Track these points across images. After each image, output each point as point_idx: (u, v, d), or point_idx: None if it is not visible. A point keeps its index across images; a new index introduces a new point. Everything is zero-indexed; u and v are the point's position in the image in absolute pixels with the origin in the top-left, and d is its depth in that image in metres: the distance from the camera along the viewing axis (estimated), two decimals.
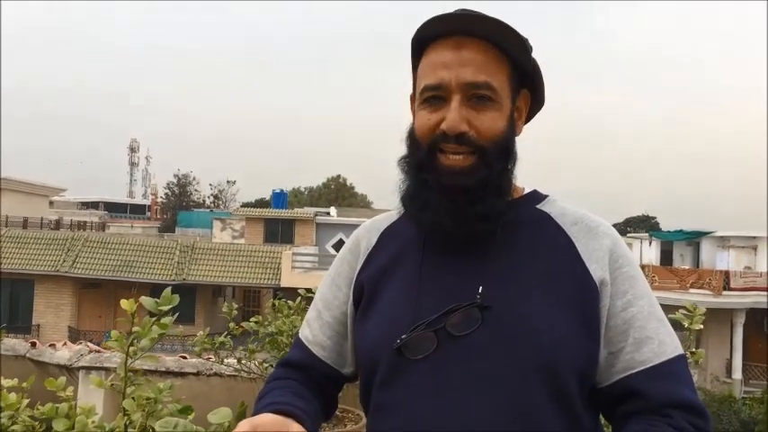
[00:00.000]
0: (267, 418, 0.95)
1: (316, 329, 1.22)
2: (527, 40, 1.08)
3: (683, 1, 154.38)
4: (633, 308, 1.05)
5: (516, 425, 0.95)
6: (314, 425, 1.06)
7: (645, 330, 1.04)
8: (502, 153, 1.08)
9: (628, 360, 1.03)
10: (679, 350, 1.06)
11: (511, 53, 1.08)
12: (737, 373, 22.08)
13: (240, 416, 1.09)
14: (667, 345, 1.04)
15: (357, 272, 1.19)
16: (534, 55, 1.12)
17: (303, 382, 1.18)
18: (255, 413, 1.00)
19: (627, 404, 1.03)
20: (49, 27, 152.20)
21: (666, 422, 0.98)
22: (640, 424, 0.99)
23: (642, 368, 1.02)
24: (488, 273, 1.06)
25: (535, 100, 1.18)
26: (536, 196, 1.17)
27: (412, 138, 1.12)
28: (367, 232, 1.24)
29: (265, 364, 3.04)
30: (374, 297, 1.14)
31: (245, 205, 46.50)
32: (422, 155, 1.08)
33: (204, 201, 62.23)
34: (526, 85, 1.14)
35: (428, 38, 1.10)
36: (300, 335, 1.26)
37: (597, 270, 1.06)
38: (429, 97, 1.08)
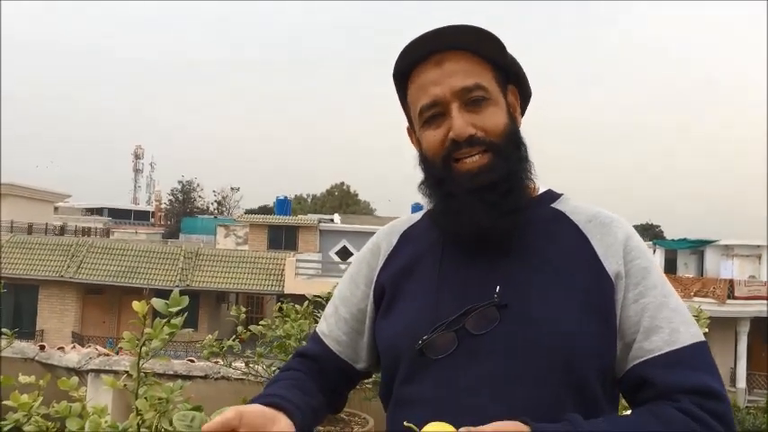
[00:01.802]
0: (255, 408, 0.97)
1: (332, 324, 1.26)
2: (498, 38, 1.11)
3: (689, 1, 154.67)
4: (645, 299, 1.06)
5: (537, 419, 0.95)
6: (308, 420, 1.07)
7: (655, 320, 1.05)
8: (513, 143, 1.12)
9: (637, 349, 1.05)
10: (696, 338, 1.05)
11: (488, 54, 1.12)
12: (741, 382, 22.01)
13: None
14: (680, 333, 1.04)
15: (377, 273, 1.23)
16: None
17: (314, 374, 1.21)
18: (251, 403, 1.02)
19: (640, 393, 1.04)
20: (61, 38, 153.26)
21: (672, 405, 0.98)
22: (646, 406, 1.01)
23: (650, 356, 1.03)
24: (505, 272, 1.09)
25: (523, 93, 1.22)
26: (551, 195, 1.20)
27: (425, 160, 1.15)
28: (387, 234, 1.27)
29: (273, 368, 3.06)
30: (395, 298, 1.17)
31: (248, 212, 46.59)
32: (438, 170, 1.12)
33: (208, 207, 62.36)
34: (510, 81, 1.18)
35: (408, 67, 1.14)
36: (317, 329, 1.30)
37: (612, 265, 1.08)
38: (429, 117, 1.12)
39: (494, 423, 0.88)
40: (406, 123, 1.24)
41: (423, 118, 1.13)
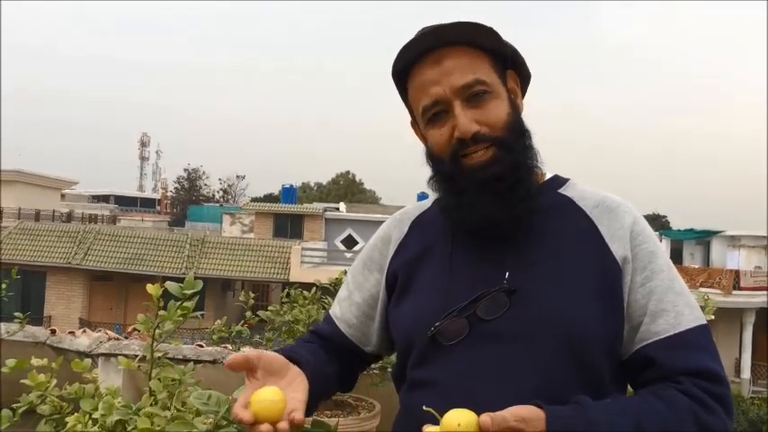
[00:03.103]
0: (272, 353, 1.03)
1: (345, 308, 1.30)
2: (492, 27, 1.12)
3: (693, 1, 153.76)
4: (651, 282, 1.09)
5: (546, 402, 0.97)
6: (318, 380, 1.11)
7: (661, 303, 1.07)
8: (516, 134, 1.13)
9: (644, 332, 1.07)
10: (699, 321, 1.08)
11: (484, 45, 1.13)
12: (746, 373, 22.01)
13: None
14: (685, 316, 1.07)
15: (389, 260, 1.25)
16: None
17: (326, 349, 1.25)
18: None
19: (644, 374, 1.07)
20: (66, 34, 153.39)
21: (675, 387, 1.01)
22: (650, 388, 1.04)
23: (657, 338, 1.06)
24: (514, 258, 1.10)
25: (522, 76, 1.23)
26: (557, 181, 1.22)
27: (432, 157, 1.17)
28: (398, 222, 1.29)
29: None
30: (407, 285, 1.20)
31: (254, 200, 46.55)
32: (447, 167, 1.13)
33: (214, 195, 62.35)
34: (508, 66, 1.19)
35: (407, 66, 1.15)
36: (330, 311, 1.33)
37: (619, 249, 1.10)
38: (432, 115, 1.13)
39: (510, 408, 0.90)
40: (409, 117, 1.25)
41: (426, 117, 1.14)
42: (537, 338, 1.04)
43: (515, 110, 1.16)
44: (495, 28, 1.12)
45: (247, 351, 0.99)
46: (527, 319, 1.06)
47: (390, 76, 1.20)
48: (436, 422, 0.91)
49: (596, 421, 0.94)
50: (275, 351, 1.07)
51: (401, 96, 1.22)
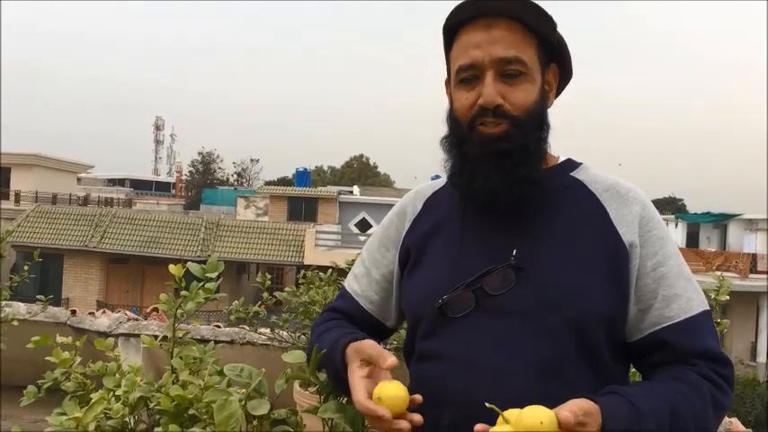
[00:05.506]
0: (370, 341, 1.10)
1: (365, 285, 1.33)
2: (551, 16, 1.13)
3: None
4: (662, 268, 1.11)
5: (545, 375, 1.01)
6: None
7: (673, 288, 1.11)
8: (536, 123, 1.14)
9: (657, 316, 1.10)
10: (704, 306, 1.13)
11: (537, 29, 1.14)
12: (762, 357, 21.88)
13: (316, 358, 1.22)
14: (694, 301, 1.11)
15: (403, 236, 1.28)
16: (562, 32, 1.19)
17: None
18: (323, 346, 1.16)
19: (656, 355, 1.10)
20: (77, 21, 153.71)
21: (692, 370, 1.06)
22: (669, 371, 1.07)
23: (671, 323, 1.09)
24: (523, 236, 1.13)
25: (563, 74, 1.24)
26: (570, 164, 1.24)
27: (452, 118, 1.18)
28: (413, 199, 1.32)
29: (297, 334, 3.13)
30: (419, 259, 1.23)
31: (268, 183, 46.69)
32: (462, 131, 1.15)
33: (228, 179, 62.61)
34: (553, 59, 1.20)
35: (458, 23, 1.16)
36: (347, 288, 1.36)
37: (627, 233, 1.12)
38: (464, 77, 1.14)
39: (572, 402, 0.91)
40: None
41: (458, 77, 1.16)
42: (541, 315, 1.07)
43: (543, 100, 1.16)
44: (554, 19, 1.13)
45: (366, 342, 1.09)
46: (532, 296, 1.08)
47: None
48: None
49: (646, 411, 0.96)
50: (353, 337, 1.15)
51: (445, 51, 1.23)
